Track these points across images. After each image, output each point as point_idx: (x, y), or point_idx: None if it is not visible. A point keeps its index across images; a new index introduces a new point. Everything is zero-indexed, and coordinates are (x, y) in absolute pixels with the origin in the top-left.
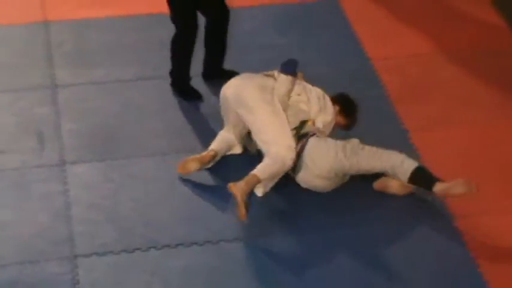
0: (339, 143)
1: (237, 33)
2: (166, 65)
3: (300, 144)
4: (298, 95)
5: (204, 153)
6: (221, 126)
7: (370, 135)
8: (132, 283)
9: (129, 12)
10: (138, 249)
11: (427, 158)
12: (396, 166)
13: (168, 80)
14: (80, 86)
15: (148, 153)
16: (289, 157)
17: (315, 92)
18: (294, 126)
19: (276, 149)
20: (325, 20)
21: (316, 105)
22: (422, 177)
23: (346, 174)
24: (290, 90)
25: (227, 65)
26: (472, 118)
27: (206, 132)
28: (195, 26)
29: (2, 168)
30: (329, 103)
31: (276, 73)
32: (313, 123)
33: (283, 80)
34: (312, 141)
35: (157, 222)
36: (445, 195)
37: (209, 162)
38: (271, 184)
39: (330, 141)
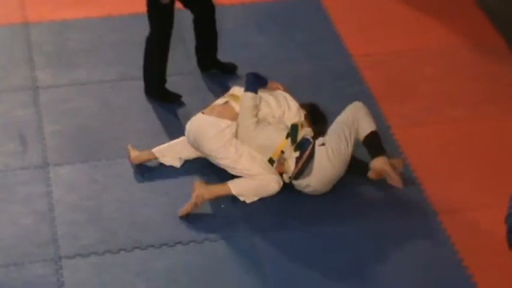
0: (336, 152)
1: (218, 31)
2: None
3: (306, 153)
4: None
5: (146, 152)
6: None
7: None
8: (117, 284)
9: (109, 13)
10: (122, 249)
11: (410, 154)
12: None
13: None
14: (61, 87)
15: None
16: (276, 188)
17: (274, 96)
18: (280, 138)
19: (264, 177)
20: (307, 18)
21: (278, 109)
22: (374, 142)
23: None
24: (256, 107)
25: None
26: (455, 114)
27: None
28: (171, 24)
29: None
30: (293, 105)
31: (236, 91)
32: (302, 126)
33: (247, 98)
34: (318, 154)
35: (141, 223)
36: (379, 172)
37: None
38: (256, 198)
39: (333, 157)
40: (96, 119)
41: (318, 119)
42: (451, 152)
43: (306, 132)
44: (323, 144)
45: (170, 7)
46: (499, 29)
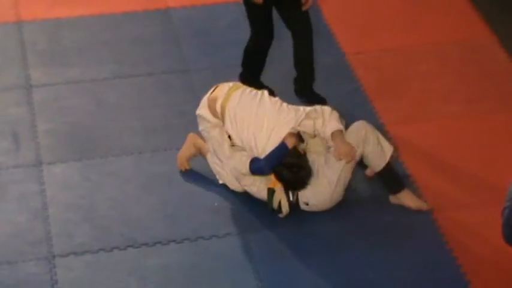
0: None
1: (212, 29)
2: (141, 63)
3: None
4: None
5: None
6: (197, 126)
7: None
8: (111, 282)
9: (102, 11)
10: (116, 248)
11: (403, 152)
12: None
13: (143, 77)
14: (55, 86)
15: (125, 152)
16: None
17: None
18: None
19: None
20: None
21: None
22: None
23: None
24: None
25: (205, 62)
26: (448, 112)
27: (182, 130)
28: (267, 33)
29: None
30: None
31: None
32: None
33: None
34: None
35: (134, 221)
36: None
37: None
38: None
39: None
40: (90, 117)
41: (297, 186)
42: (445, 149)
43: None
44: (306, 204)
45: (264, 11)
46: (491, 26)
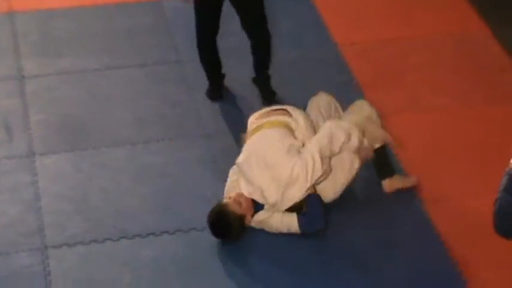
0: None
1: None
2: (134, 54)
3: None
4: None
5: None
6: (190, 116)
7: None
8: (103, 273)
9: (95, 2)
10: (108, 239)
11: (395, 143)
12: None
13: (135, 68)
14: (47, 77)
15: (117, 143)
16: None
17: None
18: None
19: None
20: (292, 7)
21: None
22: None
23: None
24: None
25: (198, 53)
26: (441, 103)
27: (175, 122)
28: (209, 26)
29: None
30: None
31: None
32: None
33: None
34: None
35: (127, 212)
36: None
37: None
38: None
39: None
40: (82, 108)
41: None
42: (437, 140)
43: None
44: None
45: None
46: (484, 19)
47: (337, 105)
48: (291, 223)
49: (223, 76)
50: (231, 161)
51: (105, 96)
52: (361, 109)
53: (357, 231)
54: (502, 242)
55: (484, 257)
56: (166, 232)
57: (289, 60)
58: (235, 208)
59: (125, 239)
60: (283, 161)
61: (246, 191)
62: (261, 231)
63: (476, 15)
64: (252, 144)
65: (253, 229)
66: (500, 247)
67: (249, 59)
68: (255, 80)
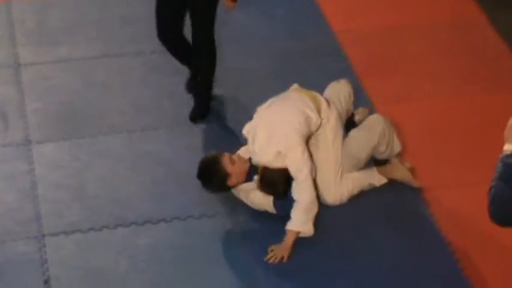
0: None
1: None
2: (130, 42)
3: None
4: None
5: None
6: (187, 104)
7: None
8: (100, 261)
9: None
10: (105, 227)
11: None
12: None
13: (131, 56)
14: (43, 65)
15: (114, 131)
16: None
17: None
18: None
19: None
20: None
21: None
22: None
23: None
24: None
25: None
26: (437, 92)
27: (171, 110)
28: (165, 24)
29: None
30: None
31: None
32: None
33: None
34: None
35: (124, 200)
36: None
37: None
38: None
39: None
40: (79, 96)
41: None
42: (434, 129)
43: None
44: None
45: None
46: (480, 6)
47: (353, 98)
48: (270, 203)
49: (210, 98)
50: (229, 149)
51: (102, 84)
52: (374, 127)
53: (353, 222)
54: (498, 229)
55: (480, 246)
56: (163, 220)
57: (286, 48)
58: (226, 163)
59: (122, 227)
60: (287, 133)
61: (245, 128)
62: (259, 219)
63: (473, 2)
64: (278, 99)
65: (250, 216)
66: (496, 235)
67: (248, 48)
68: (188, 84)
